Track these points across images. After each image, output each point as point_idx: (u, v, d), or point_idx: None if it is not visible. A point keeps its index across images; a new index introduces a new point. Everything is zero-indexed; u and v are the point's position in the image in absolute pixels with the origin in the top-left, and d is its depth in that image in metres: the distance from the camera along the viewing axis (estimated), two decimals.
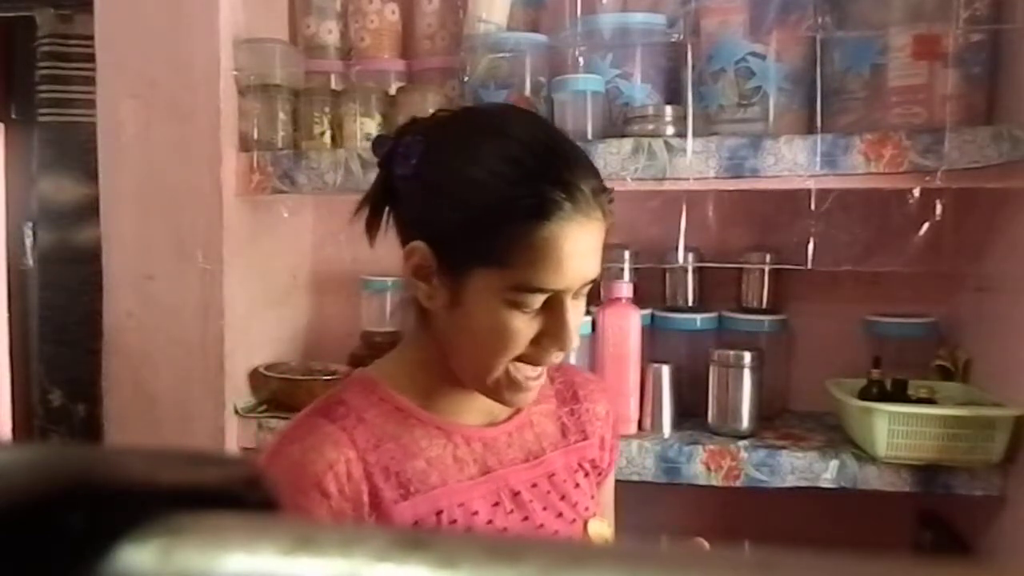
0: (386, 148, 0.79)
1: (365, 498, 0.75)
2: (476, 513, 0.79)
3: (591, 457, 0.90)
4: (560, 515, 0.84)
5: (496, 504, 0.81)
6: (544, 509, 0.83)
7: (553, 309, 0.74)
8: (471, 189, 0.72)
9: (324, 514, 0.74)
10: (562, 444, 0.88)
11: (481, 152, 0.73)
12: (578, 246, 0.72)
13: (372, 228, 0.81)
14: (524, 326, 0.74)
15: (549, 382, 0.91)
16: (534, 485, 0.84)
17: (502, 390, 0.78)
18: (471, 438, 0.82)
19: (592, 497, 0.90)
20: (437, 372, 0.80)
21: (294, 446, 0.78)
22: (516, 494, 0.82)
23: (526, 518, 0.82)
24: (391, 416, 0.79)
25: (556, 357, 0.77)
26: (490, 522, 0.80)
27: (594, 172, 0.75)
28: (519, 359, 0.76)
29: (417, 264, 0.76)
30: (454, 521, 0.78)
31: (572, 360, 1.31)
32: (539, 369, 0.78)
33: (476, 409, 0.83)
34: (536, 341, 0.75)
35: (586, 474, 0.89)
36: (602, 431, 0.92)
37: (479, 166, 0.72)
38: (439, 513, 0.77)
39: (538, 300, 0.73)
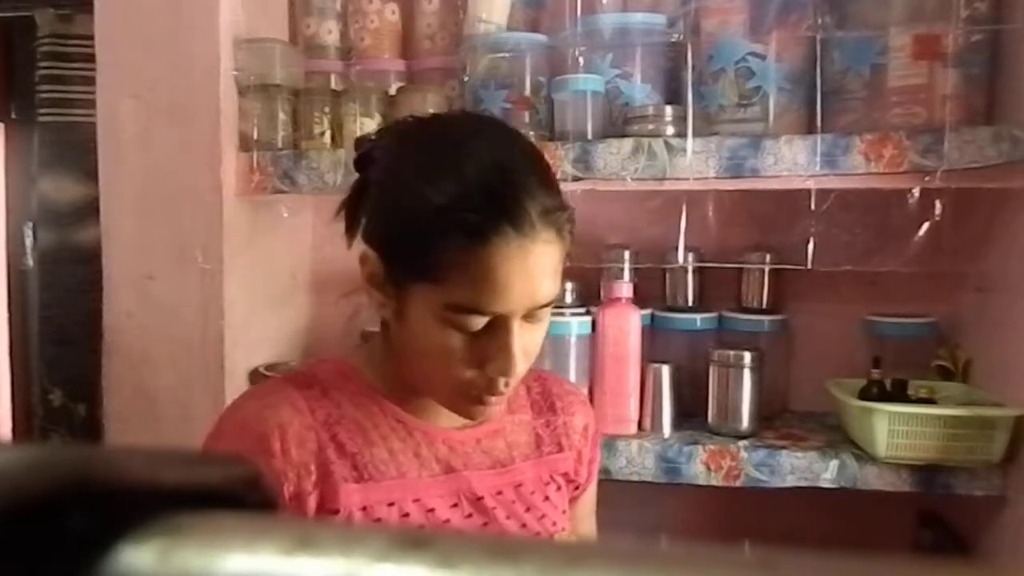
0: (362, 150, 0.80)
1: (313, 468, 0.74)
2: (432, 511, 0.78)
3: (564, 470, 0.88)
4: (524, 526, 0.83)
5: (455, 505, 0.80)
6: (507, 518, 0.82)
7: (496, 332, 0.71)
8: (415, 201, 0.71)
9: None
10: (534, 455, 0.86)
11: (433, 166, 0.72)
12: (518, 270, 0.69)
13: (350, 230, 0.81)
14: (464, 347, 0.72)
15: (525, 391, 0.90)
16: (499, 492, 0.82)
17: (459, 403, 0.77)
18: (436, 438, 0.81)
19: (564, 512, 0.88)
20: (404, 374, 0.80)
21: (252, 402, 0.80)
22: (479, 499, 0.81)
23: (486, 524, 0.81)
24: (359, 401, 0.79)
25: (502, 383, 0.74)
26: (447, 521, 0.79)
27: (549, 192, 0.72)
28: (468, 384, 0.74)
29: (369, 272, 0.76)
30: (407, 515, 0.77)
31: (572, 361, 1.31)
32: (495, 396, 0.75)
33: (444, 413, 0.81)
34: (479, 364, 0.73)
35: (558, 488, 0.87)
36: (580, 445, 0.90)
37: (426, 180, 0.70)
38: (391, 504, 0.77)
39: (477, 322, 0.70)
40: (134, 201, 1.37)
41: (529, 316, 0.72)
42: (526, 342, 0.73)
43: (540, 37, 1.37)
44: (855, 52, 1.22)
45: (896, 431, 1.15)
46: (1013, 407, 1.15)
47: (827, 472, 1.19)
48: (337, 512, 0.75)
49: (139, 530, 0.17)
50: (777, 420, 1.38)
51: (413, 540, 0.17)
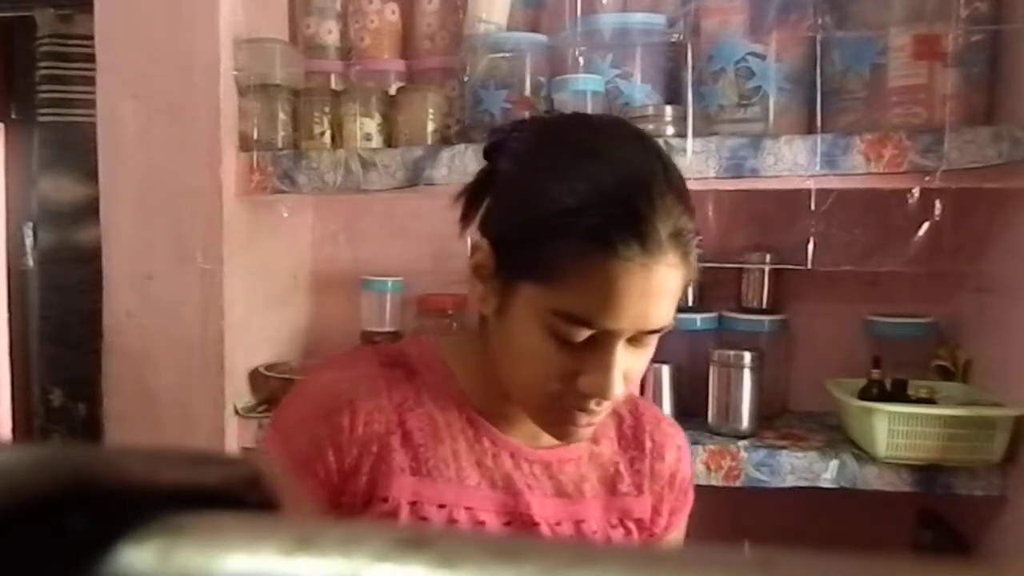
0: (495, 139, 0.77)
1: (374, 449, 0.73)
2: (482, 523, 0.75)
3: (639, 516, 0.81)
4: None
5: (508, 524, 0.76)
6: None
7: (599, 348, 0.67)
8: (542, 198, 0.67)
9: (326, 443, 0.72)
10: (606, 493, 0.80)
11: (569, 166, 0.68)
12: (637, 288, 0.64)
13: (466, 219, 0.78)
14: (561, 359, 0.68)
15: (616, 422, 0.83)
16: (558, 523, 0.77)
17: (546, 418, 0.73)
18: (503, 451, 0.77)
19: None
20: (494, 379, 0.75)
21: (332, 372, 0.78)
22: (534, 524, 0.76)
23: None
24: (437, 393, 0.77)
25: (596, 404, 0.69)
26: None
27: (683, 214, 0.67)
28: (560, 399, 0.70)
29: (478, 263, 0.72)
30: (455, 521, 0.74)
31: None
32: (587, 416, 0.71)
33: (522, 428, 0.77)
34: (574, 378, 0.68)
35: (627, 533, 0.80)
36: (663, 493, 0.83)
37: (559, 179, 0.67)
38: (441, 506, 0.74)
39: (582, 333, 0.66)
40: (134, 201, 1.37)
41: (636, 339, 0.68)
42: (628, 366, 0.69)
43: (540, 37, 1.37)
44: (855, 52, 1.22)
45: (896, 431, 1.15)
46: (1013, 407, 1.15)
47: (827, 472, 1.19)
48: (385, 500, 0.72)
49: (139, 530, 0.17)
50: (777, 420, 1.38)
51: (413, 540, 0.17)
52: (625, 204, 0.65)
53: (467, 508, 0.75)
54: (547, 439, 0.78)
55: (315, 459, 0.72)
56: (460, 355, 0.80)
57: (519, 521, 0.76)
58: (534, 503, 0.76)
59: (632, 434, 0.83)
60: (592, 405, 0.70)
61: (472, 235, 0.76)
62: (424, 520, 0.73)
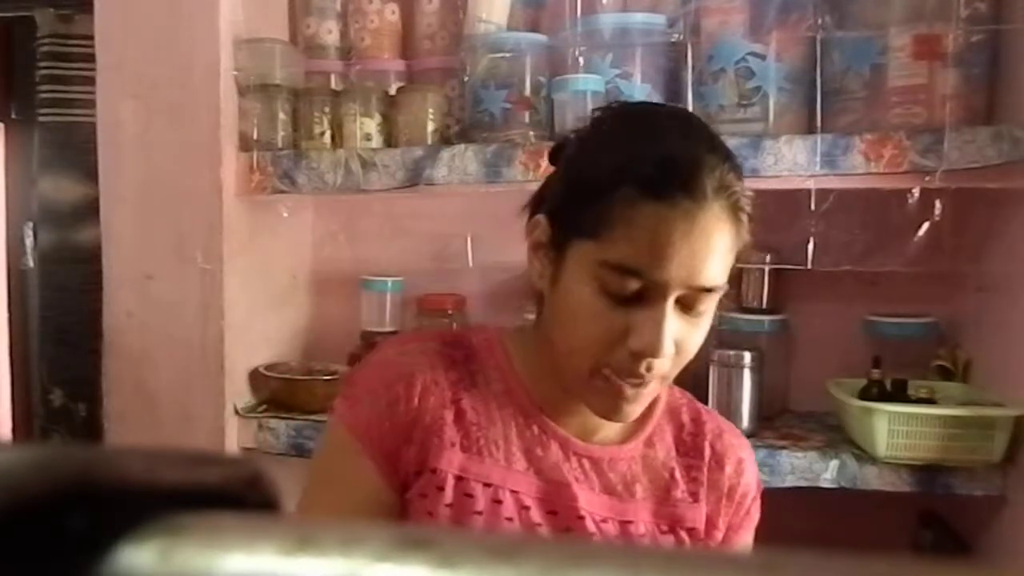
0: (558, 141, 0.80)
1: (428, 420, 0.75)
2: (527, 508, 0.75)
3: (692, 525, 0.78)
4: None
5: (553, 513, 0.75)
6: None
7: (648, 303, 0.67)
8: (595, 164, 0.71)
9: (384, 411, 0.75)
10: (657, 498, 0.78)
11: (620, 138, 0.72)
12: (682, 234, 0.65)
13: (532, 217, 0.79)
14: (612, 319, 0.68)
15: (675, 428, 0.82)
16: (604, 520, 0.76)
17: (595, 393, 0.72)
18: (553, 441, 0.77)
19: None
20: (550, 367, 0.76)
21: (394, 347, 0.82)
22: (579, 517, 0.75)
23: None
24: (495, 376, 0.78)
25: (643, 367, 0.69)
26: (539, 525, 0.75)
27: (730, 172, 0.69)
28: (609, 365, 0.69)
29: (536, 240, 0.75)
30: (499, 502, 0.74)
31: None
32: (637, 380, 0.70)
33: (576, 420, 0.77)
34: (625, 336, 0.68)
35: (678, 540, 0.78)
36: (721, 505, 0.80)
37: (611, 148, 0.71)
38: (487, 484, 0.74)
39: (629, 284, 0.67)
40: (134, 201, 1.37)
41: (687, 304, 0.69)
42: (680, 336, 0.69)
43: (540, 37, 1.37)
44: (855, 52, 1.22)
45: (896, 431, 1.15)
46: (1013, 407, 1.15)
47: (827, 472, 1.19)
48: (434, 472, 0.74)
49: (139, 530, 0.17)
50: (777, 420, 1.38)
51: (413, 540, 0.17)
52: (672, 158, 0.67)
53: (512, 491, 0.75)
54: (600, 434, 0.78)
55: (374, 425, 0.75)
56: (520, 344, 0.81)
57: (565, 512, 0.75)
58: (581, 496, 0.76)
59: (691, 441, 0.82)
60: (642, 370, 0.69)
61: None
62: (469, 496, 0.74)
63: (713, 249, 0.67)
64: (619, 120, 0.76)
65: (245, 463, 0.21)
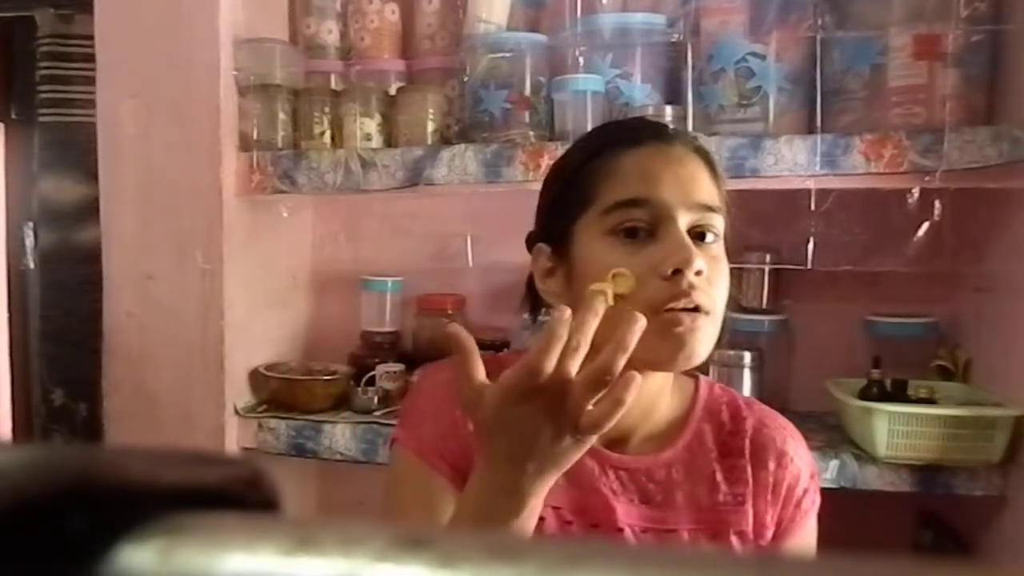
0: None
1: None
2: (570, 523, 0.75)
3: (741, 528, 0.76)
4: None
5: (595, 526, 0.75)
6: None
7: (664, 231, 0.70)
8: (570, 155, 0.80)
9: (446, 434, 0.77)
10: (701, 504, 0.76)
11: (592, 133, 0.84)
12: (667, 166, 0.72)
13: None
14: (633, 253, 0.69)
15: (715, 430, 0.80)
16: (644, 531, 0.76)
17: (653, 337, 0.65)
18: (589, 453, 0.74)
19: None
20: None
21: (441, 375, 0.83)
22: (619, 530, 0.75)
23: None
24: None
25: (685, 282, 0.67)
26: None
27: (700, 140, 0.79)
28: (651, 305, 0.67)
29: (543, 268, 0.77)
30: (542, 519, 0.72)
31: None
32: (686, 302, 0.68)
33: (611, 433, 0.73)
34: (657, 268, 0.68)
35: (726, 548, 0.75)
36: (767, 503, 0.77)
37: (585, 139, 0.82)
38: None
39: (636, 215, 0.70)
40: (134, 201, 1.37)
41: (697, 234, 0.71)
42: (703, 264, 0.68)
43: (540, 37, 1.37)
44: (855, 52, 1.22)
45: (896, 431, 1.15)
46: (1013, 407, 1.15)
47: (827, 472, 1.19)
48: None
49: (139, 530, 0.17)
50: None
51: (413, 540, 0.17)
52: (641, 120, 0.83)
53: (555, 507, 0.75)
54: (635, 445, 0.78)
55: (441, 447, 0.77)
56: None
57: (604, 526, 0.75)
58: (619, 508, 0.75)
59: (732, 441, 0.79)
60: (684, 286, 0.67)
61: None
62: None
63: (694, 173, 0.73)
64: (587, 133, 0.86)
65: (245, 463, 0.21)
